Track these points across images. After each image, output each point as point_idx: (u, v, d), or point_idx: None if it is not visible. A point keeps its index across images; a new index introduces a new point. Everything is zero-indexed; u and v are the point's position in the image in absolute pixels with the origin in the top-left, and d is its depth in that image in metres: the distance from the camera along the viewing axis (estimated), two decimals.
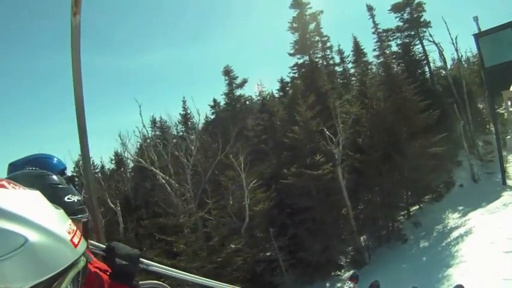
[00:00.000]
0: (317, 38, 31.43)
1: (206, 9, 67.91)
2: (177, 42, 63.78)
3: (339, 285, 20.82)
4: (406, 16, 28.70)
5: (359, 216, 22.53)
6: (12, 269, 0.82)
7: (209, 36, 65.51)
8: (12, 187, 0.96)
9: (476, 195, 22.68)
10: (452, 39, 27.21)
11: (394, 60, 28.51)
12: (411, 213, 23.49)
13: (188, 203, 21.59)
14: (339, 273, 21.42)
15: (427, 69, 29.44)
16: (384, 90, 22.91)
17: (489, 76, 21.06)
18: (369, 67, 29.54)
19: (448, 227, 21.40)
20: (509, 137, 18.07)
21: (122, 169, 31.52)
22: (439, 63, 29.28)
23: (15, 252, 0.82)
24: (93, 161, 34.52)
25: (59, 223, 0.95)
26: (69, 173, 2.84)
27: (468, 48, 29.90)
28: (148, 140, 30.70)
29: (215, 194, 21.85)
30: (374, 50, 31.12)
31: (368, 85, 23.40)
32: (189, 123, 29.03)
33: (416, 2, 28.34)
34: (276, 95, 31.60)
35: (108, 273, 1.80)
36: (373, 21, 30.90)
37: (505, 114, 19.18)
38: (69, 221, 1.01)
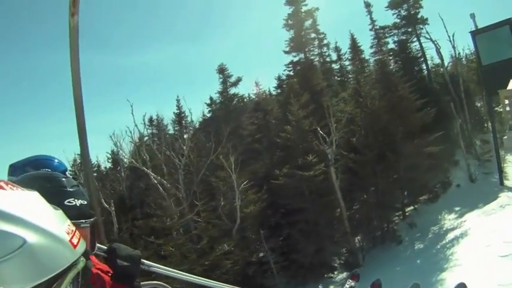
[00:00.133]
0: (313, 35, 30.81)
1: (202, 8, 66.85)
2: (173, 41, 62.93)
3: (331, 287, 20.34)
4: (403, 13, 27.97)
5: (353, 217, 21.94)
6: (11, 270, 0.80)
7: (205, 35, 64.70)
8: (10, 188, 0.94)
9: (473, 195, 22.07)
10: (449, 36, 26.53)
11: (390, 58, 27.86)
12: (407, 214, 22.91)
13: (180, 204, 21.10)
14: (332, 275, 20.90)
15: (425, 67, 28.69)
16: (379, 88, 22.23)
17: (486, 74, 20.36)
18: (365, 64, 28.78)
19: (444, 229, 20.82)
20: (506, 137, 17.42)
21: (118, 168, 31.08)
22: (437, 61, 28.54)
23: (13, 254, 0.80)
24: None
25: (58, 224, 0.93)
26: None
27: (466, 45, 29.16)
28: (146, 138, 30.36)
29: (206, 195, 21.37)
30: (371, 47, 30.46)
31: (363, 83, 22.75)
32: (183, 122, 28.47)
33: None
34: (274, 93, 31.09)
35: (110, 274, 1.79)
36: (371, 18, 30.21)
37: (502, 113, 18.44)
38: (68, 221, 0.99)
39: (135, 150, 25.10)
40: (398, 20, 28.27)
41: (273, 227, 21.31)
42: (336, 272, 21.41)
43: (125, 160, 25.87)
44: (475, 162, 24.74)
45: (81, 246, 0.98)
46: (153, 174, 22.40)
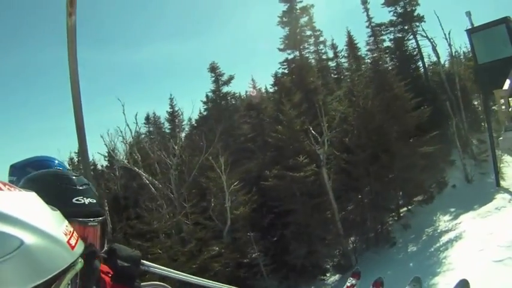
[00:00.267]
0: (309, 32, 30.13)
1: (198, 5, 65.52)
2: (166, 39, 62.15)
3: None
4: (399, 10, 27.22)
5: (347, 218, 21.37)
6: (8, 272, 0.79)
7: (200, 32, 64.05)
8: (8, 189, 0.91)
9: (469, 196, 21.48)
10: (445, 34, 25.80)
11: (386, 56, 27.19)
12: (401, 215, 22.32)
13: (172, 204, 20.63)
14: (323, 277, 20.38)
15: (421, 65, 27.96)
16: (372, 87, 21.55)
17: (482, 73, 19.73)
18: (360, 62, 28.04)
19: (438, 231, 20.25)
20: (501, 138, 16.84)
21: (115, 166, 30.65)
22: (434, 59, 27.79)
23: (11, 255, 0.79)
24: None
25: (55, 225, 0.92)
26: None
27: (464, 43, 28.34)
28: (143, 136, 29.87)
29: (197, 195, 20.87)
30: (367, 44, 29.74)
31: (357, 82, 22.07)
32: (176, 120, 27.90)
33: None
34: (271, 90, 30.46)
35: (110, 275, 1.76)
36: (367, 15, 29.47)
37: (498, 113, 17.84)
38: (66, 222, 0.97)
39: (127, 150, 24.55)
40: (394, 18, 27.55)
41: (264, 229, 20.79)
42: (328, 274, 20.89)
43: (117, 159, 25.30)
44: (471, 162, 24.11)
45: (79, 247, 0.95)
46: (144, 174, 21.91)
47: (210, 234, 19.71)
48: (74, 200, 1.55)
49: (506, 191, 21.22)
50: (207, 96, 28.28)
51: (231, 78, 27.37)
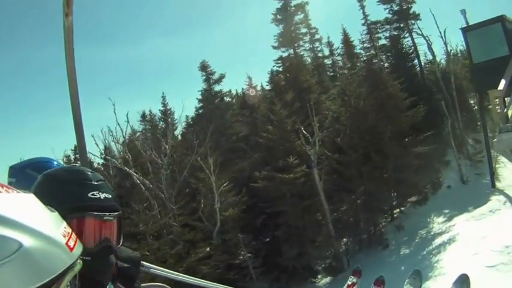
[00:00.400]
0: (305, 29, 29.47)
1: (193, 3, 64.33)
2: (163, 36, 60.99)
3: None
4: (395, 8, 26.52)
5: (339, 220, 20.84)
6: (7, 274, 0.77)
7: (196, 30, 62.77)
8: (6, 190, 0.89)
9: (464, 197, 20.92)
10: (440, 32, 25.09)
11: (382, 54, 26.57)
12: (395, 216, 21.78)
13: (162, 204, 20.15)
14: (314, 280, 19.89)
15: (417, 64, 27.29)
16: (366, 86, 20.90)
17: (477, 72, 19.11)
18: (355, 60, 27.36)
19: (432, 233, 19.71)
20: (496, 139, 16.30)
21: (108, 164, 30.13)
22: (430, 57, 27.09)
23: (9, 258, 0.78)
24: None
25: (54, 226, 0.90)
26: None
27: (460, 41, 27.53)
28: (138, 134, 29.32)
29: (186, 196, 20.39)
30: (363, 42, 29.02)
31: (350, 81, 21.44)
32: (169, 119, 27.34)
33: None
34: (268, 88, 29.83)
35: None
36: (363, 13, 28.72)
37: (492, 115, 17.26)
38: (64, 223, 0.94)
39: (119, 149, 24.03)
40: (390, 15, 26.85)
41: (256, 230, 20.30)
42: (319, 276, 20.42)
43: (108, 158, 24.77)
44: (466, 162, 23.51)
45: (78, 249, 0.93)
46: (135, 174, 21.42)
47: (200, 236, 19.23)
48: (89, 195, 1.53)
49: (502, 192, 20.64)
50: (202, 94, 27.68)
51: (222, 76, 26.74)
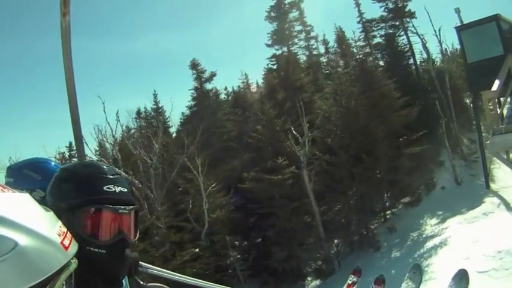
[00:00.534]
0: (300, 27, 28.83)
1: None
2: (156, 32, 59.75)
3: None
4: (390, 6, 25.79)
5: (330, 221, 20.28)
6: (3, 273, 0.77)
7: (192, 26, 61.75)
8: (1, 190, 0.90)
9: (458, 199, 20.33)
10: (435, 30, 24.39)
11: (377, 52, 25.93)
12: (387, 217, 21.21)
13: (150, 205, 19.63)
14: (303, 283, 19.38)
15: (412, 62, 26.60)
16: (358, 85, 20.25)
17: (472, 72, 18.50)
18: (348, 59, 26.65)
19: (424, 235, 19.14)
20: (488, 141, 15.76)
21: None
22: (426, 56, 26.40)
23: (5, 257, 0.78)
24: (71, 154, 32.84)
25: (49, 226, 0.90)
26: None
27: (456, 40, 26.71)
28: (133, 130, 28.78)
29: (177, 196, 19.87)
30: (355, 41, 28.31)
31: (342, 80, 20.80)
32: (161, 117, 26.73)
33: None
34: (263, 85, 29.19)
35: None
36: (359, 11, 27.99)
37: (486, 116, 16.69)
38: (59, 223, 0.95)
39: (110, 148, 23.49)
40: (385, 14, 26.13)
41: (247, 231, 19.78)
42: (309, 279, 19.91)
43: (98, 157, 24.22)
44: (461, 162, 22.92)
45: (73, 248, 0.93)
46: (123, 173, 20.89)
47: (189, 237, 18.73)
48: (105, 188, 1.51)
49: (496, 194, 20.04)
50: (193, 92, 27.09)
51: (213, 75, 26.15)
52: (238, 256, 19.02)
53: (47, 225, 0.89)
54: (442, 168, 23.09)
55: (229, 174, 21.02)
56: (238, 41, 61.65)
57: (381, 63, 26.31)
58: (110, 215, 1.49)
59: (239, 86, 30.88)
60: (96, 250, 1.44)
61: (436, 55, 27.40)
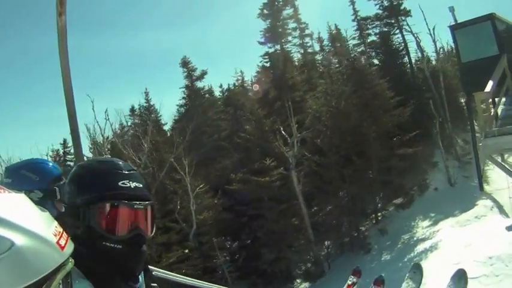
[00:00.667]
0: (294, 24, 28.11)
1: None
2: (151, 29, 58.42)
3: None
4: (385, 4, 25.08)
5: (320, 223, 19.72)
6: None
7: (188, 23, 60.50)
8: None
9: (451, 201, 19.78)
10: (429, 29, 23.72)
11: (371, 50, 25.28)
12: (379, 218, 20.65)
13: None
14: (291, 285, 18.88)
15: (408, 61, 25.90)
16: (350, 85, 19.61)
17: (466, 72, 17.87)
18: (341, 57, 25.97)
19: (415, 238, 18.62)
20: (481, 143, 15.18)
21: None
22: (421, 55, 25.69)
23: (2, 256, 0.77)
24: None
25: (45, 226, 0.89)
26: None
27: (451, 39, 25.91)
28: (127, 128, 28.21)
29: (169, 195, 19.33)
30: (352, 38, 27.62)
31: (334, 79, 20.16)
32: (153, 115, 26.13)
33: None
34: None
35: None
36: (353, 8, 27.27)
37: (478, 118, 16.09)
38: (55, 223, 0.93)
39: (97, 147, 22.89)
40: (380, 11, 25.41)
41: (233, 233, 19.25)
42: (298, 280, 19.40)
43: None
44: (455, 163, 22.34)
45: (69, 248, 0.92)
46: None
47: (177, 238, 18.22)
48: (120, 183, 1.48)
49: (489, 196, 19.48)
50: (184, 91, 26.45)
51: (204, 73, 25.52)
52: (227, 258, 18.48)
53: (43, 225, 0.88)
54: (436, 169, 22.53)
55: (219, 174, 20.47)
56: (235, 38, 60.76)
57: (376, 61, 25.60)
58: (125, 211, 1.47)
59: (234, 84, 30.33)
60: (113, 245, 1.42)
61: (432, 54, 26.82)
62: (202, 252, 18.42)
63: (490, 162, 20.92)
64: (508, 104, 16.96)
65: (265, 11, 25.31)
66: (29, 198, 0.93)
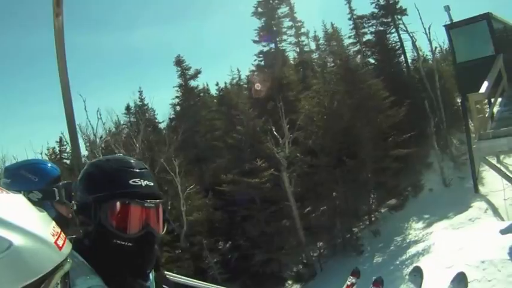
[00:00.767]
0: (290, 23, 27.59)
1: None
2: (146, 26, 57.46)
3: None
4: (381, 2, 24.54)
5: (313, 225, 19.33)
6: None
7: (182, 20, 59.55)
8: None
9: (445, 202, 19.35)
10: (425, 28, 23.23)
11: (367, 49, 24.81)
12: (372, 220, 20.25)
13: None
14: (282, 287, 18.53)
15: (404, 60, 25.41)
16: (343, 85, 19.14)
17: (461, 72, 17.48)
18: (334, 57, 25.45)
19: (407, 240, 18.21)
20: (475, 146, 14.76)
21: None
22: (416, 54, 25.17)
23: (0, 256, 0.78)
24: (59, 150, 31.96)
25: (43, 226, 0.89)
26: None
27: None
28: (123, 126, 27.83)
29: None
30: (349, 37, 27.10)
31: (327, 79, 19.70)
32: (147, 114, 25.72)
33: None
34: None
35: None
36: (350, 7, 26.72)
37: (472, 120, 15.68)
38: (53, 223, 0.93)
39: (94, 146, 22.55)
40: (376, 10, 24.87)
41: (226, 234, 18.88)
42: (290, 282, 19.05)
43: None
44: (450, 164, 21.93)
45: (67, 248, 0.91)
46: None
47: (167, 238, 17.87)
48: (130, 182, 1.48)
49: (484, 198, 19.07)
50: (178, 90, 26.01)
51: (198, 72, 25.04)
52: (217, 259, 18.11)
53: (41, 225, 0.87)
54: (431, 169, 22.11)
55: (212, 174, 20.09)
56: (234, 36, 60.09)
57: (372, 60, 25.13)
58: (136, 209, 1.45)
59: (230, 83, 29.90)
60: (123, 243, 1.41)
61: (428, 53, 26.33)
62: (193, 253, 18.06)
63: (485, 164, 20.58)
64: (504, 105, 16.55)
65: (260, 9, 24.83)
66: (28, 198, 0.93)
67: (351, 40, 26.73)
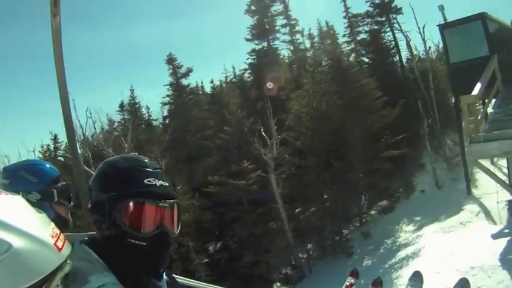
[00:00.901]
0: (284, 21, 26.94)
1: None
2: (142, 23, 56.38)
3: None
4: (376, 1, 23.86)
5: (301, 226, 18.81)
6: None
7: (182, 17, 58.55)
8: None
9: (437, 204, 18.81)
10: (419, 28, 22.60)
11: (361, 48, 24.20)
12: (363, 221, 19.72)
13: None
14: None
15: (398, 60, 24.75)
16: (334, 85, 18.54)
17: (454, 73, 16.88)
18: (326, 57, 24.81)
19: (397, 243, 17.70)
20: (467, 149, 14.19)
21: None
22: (413, 53, 24.56)
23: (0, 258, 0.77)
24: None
25: (42, 227, 0.88)
26: None
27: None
28: (117, 124, 27.26)
29: None
30: (344, 36, 26.45)
31: (317, 79, 19.09)
32: (139, 113, 25.15)
33: None
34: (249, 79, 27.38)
35: None
36: (345, 5, 26.06)
37: (464, 123, 15.08)
38: (52, 225, 0.92)
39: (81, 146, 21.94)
40: (371, 9, 24.21)
41: (212, 235, 18.40)
42: (279, 284, 18.56)
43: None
44: (443, 165, 21.35)
45: (66, 249, 0.90)
46: (93, 172, 19.45)
47: None
48: (145, 181, 1.43)
49: (476, 201, 18.52)
50: (169, 88, 25.45)
51: (189, 70, 24.46)
52: (206, 260, 17.63)
53: (40, 227, 0.86)
54: (423, 171, 21.55)
55: (201, 173, 19.56)
56: (228, 34, 59.16)
57: (366, 59, 24.50)
58: (150, 208, 1.41)
59: (225, 81, 29.29)
60: (138, 242, 1.37)
61: (423, 53, 25.70)
62: (181, 254, 17.54)
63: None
64: (497, 107, 15.96)
65: (253, 7, 24.20)
66: (27, 199, 0.91)
67: (346, 39, 26.10)
